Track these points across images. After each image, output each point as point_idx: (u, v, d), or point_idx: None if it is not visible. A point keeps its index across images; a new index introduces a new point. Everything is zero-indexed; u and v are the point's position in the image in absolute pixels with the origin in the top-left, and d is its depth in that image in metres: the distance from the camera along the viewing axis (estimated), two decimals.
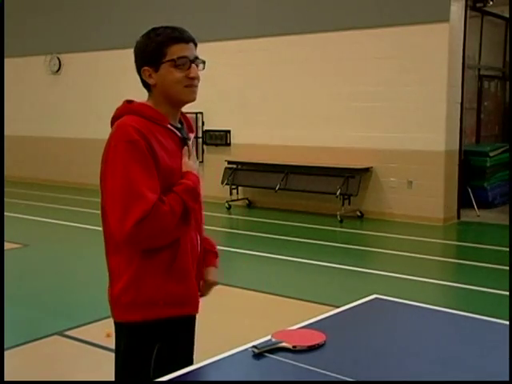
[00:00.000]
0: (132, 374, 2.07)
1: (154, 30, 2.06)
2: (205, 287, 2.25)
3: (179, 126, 2.14)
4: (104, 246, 2.11)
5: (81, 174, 12.69)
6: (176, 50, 2.01)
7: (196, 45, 2.08)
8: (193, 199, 2.02)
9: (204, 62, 2.09)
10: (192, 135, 2.19)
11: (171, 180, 2.01)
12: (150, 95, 2.10)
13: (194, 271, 2.12)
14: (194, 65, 2.04)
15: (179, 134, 2.09)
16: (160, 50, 2.01)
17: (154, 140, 1.98)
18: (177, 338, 2.11)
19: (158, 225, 1.92)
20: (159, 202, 1.93)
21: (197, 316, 2.22)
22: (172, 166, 2.02)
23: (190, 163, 2.08)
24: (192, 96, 2.07)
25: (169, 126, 2.06)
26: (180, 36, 2.03)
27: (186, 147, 2.10)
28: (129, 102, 2.10)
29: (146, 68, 2.04)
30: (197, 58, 2.06)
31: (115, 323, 2.11)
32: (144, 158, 1.94)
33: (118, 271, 2.05)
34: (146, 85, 2.09)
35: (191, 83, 2.05)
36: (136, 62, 2.09)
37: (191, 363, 2.08)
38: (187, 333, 2.17)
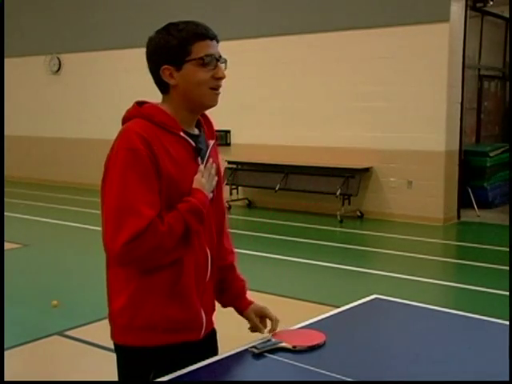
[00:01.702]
0: None
1: (173, 24, 1.88)
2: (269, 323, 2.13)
3: (196, 132, 1.97)
4: (105, 257, 1.95)
5: (80, 173, 12.68)
6: (201, 48, 1.85)
7: (218, 42, 1.92)
8: (197, 220, 1.85)
9: (226, 61, 1.93)
10: (212, 142, 2.02)
11: (178, 193, 1.86)
12: (166, 97, 1.92)
13: (197, 294, 1.95)
14: (220, 64, 1.90)
15: (193, 144, 1.91)
16: (184, 47, 1.84)
17: (161, 149, 1.82)
18: (177, 366, 1.89)
19: (152, 245, 1.76)
20: (157, 220, 1.77)
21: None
22: (179, 179, 1.86)
23: (201, 181, 1.89)
24: (216, 100, 1.92)
25: (181, 133, 1.89)
26: (205, 32, 1.87)
27: (201, 166, 1.92)
28: (139, 103, 1.93)
29: (166, 67, 1.86)
30: (221, 56, 1.91)
31: (113, 343, 1.99)
32: (145, 169, 1.78)
33: (115, 288, 1.93)
34: (162, 85, 1.91)
35: (217, 84, 1.90)
36: (152, 59, 1.90)
37: None
38: (190, 360, 1.93)
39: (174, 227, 1.80)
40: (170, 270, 1.87)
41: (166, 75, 1.88)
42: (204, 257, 1.96)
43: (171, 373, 1.85)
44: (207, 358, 1.99)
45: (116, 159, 1.81)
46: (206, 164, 1.95)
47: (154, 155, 1.80)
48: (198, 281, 1.94)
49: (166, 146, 1.84)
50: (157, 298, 1.88)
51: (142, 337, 1.90)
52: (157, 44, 1.88)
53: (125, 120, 1.92)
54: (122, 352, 1.97)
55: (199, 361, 1.94)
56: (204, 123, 2.04)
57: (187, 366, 1.90)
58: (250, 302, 2.19)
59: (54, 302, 5.17)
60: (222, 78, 1.90)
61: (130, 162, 1.78)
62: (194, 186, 1.89)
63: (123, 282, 1.90)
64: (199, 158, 1.94)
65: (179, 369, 1.88)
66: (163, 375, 1.84)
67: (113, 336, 1.98)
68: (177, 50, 1.85)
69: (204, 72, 1.87)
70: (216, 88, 1.91)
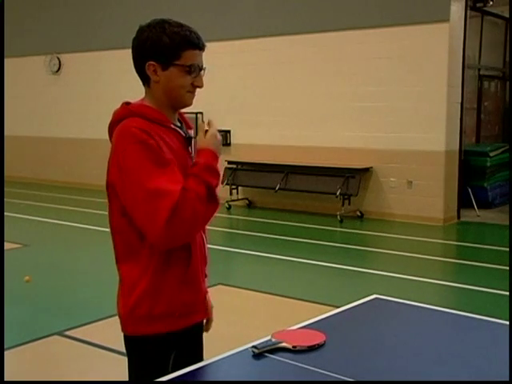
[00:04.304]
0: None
1: (168, 23, 1.95)
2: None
3: (179, 125, 2.08)
4: (114, 254, 2.03)
5: (81, 173, 12.69)
6: (190, 56, 1.94)
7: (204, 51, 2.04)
8: (212, 176, 1.92)
9: (205, 69, 2.04)
10: (191, 132, 2.13)
11: None
12: (147, 90, 2.01)
13: (201, 275, 2.08)
14: (201, 73, 2.00)
15: (183, 134, 2.03)
16: (175, 51, 1.92)
17: (161, 140, 1.91)
18: (190, 347, 2.06)
19: (190, 213, 1.83)
20: (184, 191, 1.84)
21: None
22: (179, 166, 1.95)
23: (205, 138, 1.96)
24: (191, 101, 2.03)
25: (172, 126, 2.01)
26: (197, 42, 1.97)
27: (201, 122, 1.99)
28: (127, 104, 2.01)
29: (152, 63, 1.94)
30: (202, 66, 2.01)
31: (127, 337, 2.03)
32: (157, 155, 1.86)
33: (130, 282, 1.97)
34: (145, 78, 1.99)
35: (194, 90, 2.01)
36: (140, 52, 1.97)
37: None
38: (198, 339, 2.12)
39: (198, 190, 1.86)
40: (183, 257, 1.96)
41: (149, 70, 1.96)
42: (201, 238, 2.07)
43: (187, 356, 2.02)
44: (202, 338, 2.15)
45: (127, 155, 1.86)
46: (194, 150, 2.05)
47: (158, 145, 1.88)
48: (201, 262, 2.06)
49: (164, 137, 1.94)
50: (172, 285, 1.96)
51: (159, 324, 1.97)
52: (148, 38, 1.94)
53: (115, 121, 1.98)
54: (138, 342, 2.00)
55: (201, 341, 2.11)
56: (179, 116, 2.13)
57: (198, 345, 2.09)
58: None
59: (26, 278, 5.46)
60: (200, 87, 2.01)
61: (142, 152, 1.85)
62: (199, 146, 1.97)
63: (137, 275, 1.95)
64: (190, 147, 2.06)
65: (192, 350, 2.06)
66: (181, 359, 1.99)
67: (126, 329, 2.01)
68: (168, 51, 1.92)
69: (186, 78, 1.96)
70: (193, 91, 2.01)
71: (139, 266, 1.95)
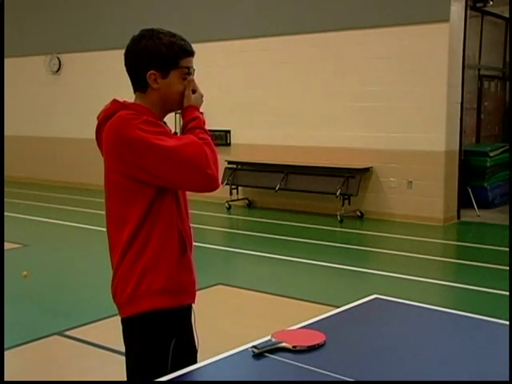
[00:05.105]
0: (148, 368, 2.04)
1: (161, 33, 2.08)
2: None
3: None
4: (108, 241, 2.11)
5: (80, 173, 12.68)
6: (186, 63, 2.10)
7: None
8: (205, 126, 2.14)
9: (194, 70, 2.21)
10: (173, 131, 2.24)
11: None
12: (141, 94, 2.11)
13: (193, 263, 2.19)
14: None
15: (169, 129, 2.12)
16: (174, 60, 2.07)
17: None
18: (186, 328, 2.15)
19: (214, 154, 2.03)
20: (200, 139, 2.03)
21: (196, 316, 2.23)
22: None
23: (194, 96, 2.13)
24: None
25: (160, 122, 2.11)
26: (191, 50, 2.13)
27: (189, 79, 2.12)
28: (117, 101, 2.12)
29: (153, 72, 2.06)
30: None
31: (127, 320, 2.09)
32: (162, 127, 2.03)
33: (131, 260, 2.05)
34: (143, 84, 2.08)
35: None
36: (139, 62, 2.07)
37: (196, 353, 2.18)
38: (190, 322, 2.20)
39: (207, 137, 2.07)
40: (178, 243, 2.07)
41: (151, 79, 2.07)
42: (190, 232, 2.19)
43: (185, 337, 2.12)
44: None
45: (138, 137, 1.95)
46: None
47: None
48: (191, 248, 2.18)
49: None
50: (170, 263, 2.06)
51: (160, 299, 2.05)
52: (146, 48, 2.06)
53: (106, 117, 2.07)
54: (140, 322, 2.06)
55: (192, 327, 2.20)
56: None
57: (191, 328, 2.17)
58: None
59: (24, 273, 5.56)
60: (196, 90, 2.16)
61: (149, 127, 1.97)
62: (188, 103, 2.12)
63: (138, 253, 2.04)
64: None
65: (188, 331, 2.15)
66: (181, 342, 2.08)
67: (128, 310, 2.06)
68: (167, 60, 2.07)
69: (183, 84, 2.12)
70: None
71: (134, 251, 2.03)
